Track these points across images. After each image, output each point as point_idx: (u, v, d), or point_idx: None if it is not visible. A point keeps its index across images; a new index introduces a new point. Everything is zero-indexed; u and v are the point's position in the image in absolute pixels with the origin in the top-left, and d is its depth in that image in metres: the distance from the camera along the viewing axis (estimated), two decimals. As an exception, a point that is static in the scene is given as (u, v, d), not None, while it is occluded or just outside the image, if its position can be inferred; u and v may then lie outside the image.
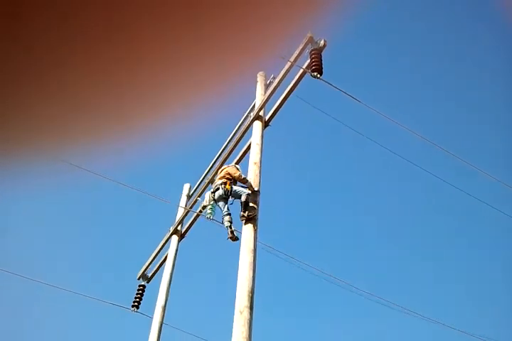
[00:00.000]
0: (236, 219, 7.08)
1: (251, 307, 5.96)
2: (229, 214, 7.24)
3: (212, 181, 10.10)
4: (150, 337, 9.09)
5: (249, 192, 7.12)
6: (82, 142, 0.40)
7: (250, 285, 6.14)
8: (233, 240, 7.00)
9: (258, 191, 7.22)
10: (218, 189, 7.41)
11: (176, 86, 0.39)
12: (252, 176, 7.50)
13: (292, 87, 8.16)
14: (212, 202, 7.48)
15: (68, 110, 0.39)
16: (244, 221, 6.78)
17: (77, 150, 0.41)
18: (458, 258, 28.90)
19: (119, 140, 0.41)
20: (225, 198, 7.33)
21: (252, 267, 6.37)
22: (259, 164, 7.69)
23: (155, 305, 9.65)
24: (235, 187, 7.28)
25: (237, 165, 7.87)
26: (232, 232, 7.03)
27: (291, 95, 8.30)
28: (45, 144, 0.40)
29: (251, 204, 6.99)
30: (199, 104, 0.40)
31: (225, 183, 7.35)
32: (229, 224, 7.13)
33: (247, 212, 6.82)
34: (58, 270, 23.88)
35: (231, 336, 5.79)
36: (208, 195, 7.61)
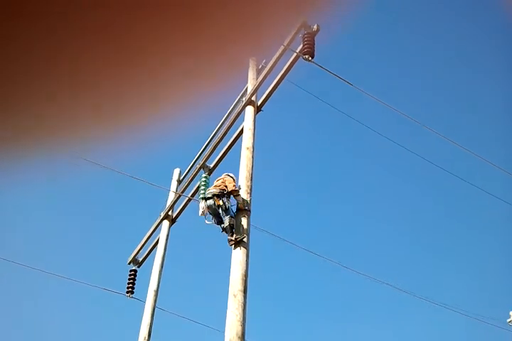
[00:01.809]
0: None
1: (245, 291, 6.02)
2: (231, 216, 6.88)
3: (203, 167, 10.10)
4: (143, 321, 9.14)
5: (232, 216, 6.80)
6: (78, 131, 0.40)
7: (244, 269, 6.19)
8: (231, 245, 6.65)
9: (249, 210, 6.91)
10: (210, 198, 7.09)
11: (166, 74, 0.39)
12: (245, 161, 7.50)
13: (285, 71, 8.14)
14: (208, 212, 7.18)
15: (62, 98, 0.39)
16: (233, 245, 6.50)
17: (71, 138, 0.41)
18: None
19: (112, 129, 0.41)
20: (216, 213, 7.01)
21: (245, 251, 6.42)
22: (251, 149, 7.69)
23: (147, 289, 9.70)
24: (222, 207, 6.90)
25: (230, 174, 7.47)
26: (230, 239, 6.65)
27: (283, 80, 8.27)
28: (43, 137, 0.41)
29: (242, 223, 6.71)
30: (190, 91, 0.40)
31: (218, 196, 6.98)
32: (228, 228, 6.76)
33: (234, 236, 6.53)
34: (50, 256, 23.85)
35: (225, 319, 5.85)
36: (202, 203, 7.25)
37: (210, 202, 7.04)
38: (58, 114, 0.39)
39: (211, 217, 7.16)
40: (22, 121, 0.38)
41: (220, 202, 6.94)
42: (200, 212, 7.19)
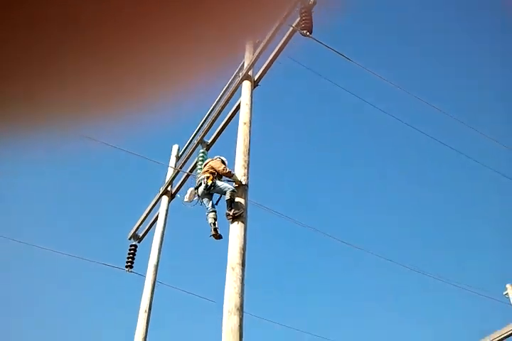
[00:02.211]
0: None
1: (243, 264, 6.09)
2: (213, 211, 6.95)
3: (201, 142, 10.12)
4: (143, 295, 9.27)
5: (234, 188, 6.74)
6: (76, 108, 0.41)
7: (242, 243, 6.26)
8: (216, 238, 6.74)
9: (246, 185, 6.84)
10: (201, 184, 7.05)
11: (163, 51, 0.38)
12: (242, 136, 7.51)
13: (281, 45, 8.09)
14: (195, 198, 7.19)
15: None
16: (230, 219, 6.44)
17: (70, 115, 0.41)
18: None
19: (111, 106, 0.41)
20: (209, 194, 7.01)
21: (243, 226, 6.47)
22: (248, 124, 7.69)
23: (147, 264, 9.81)
24: (219, 183, 6.92)
25: (222, 158, 7.44)
26: (215, 230, 6.77)
27: (280, 55, 8.23)
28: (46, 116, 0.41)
29: (238, 200, 6.63)
30: (187, 68, 0.40)
31: (208, 177, 6.98)
32: (213, 221, 6.85)
33: (232, 210, 6.46)
34: (50, 232, 24.02)
35: (223, 292, 5.94)
36: (190, 190, 7.30)
37: (201, 188, 7.04)
38: (54, 91, 0.39)
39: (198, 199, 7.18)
40: (19, 94, 0.38)
41: (210, 182, 6.92)
42: (186, 198, 7.27)
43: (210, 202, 7.04)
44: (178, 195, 7.72)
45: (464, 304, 26.43)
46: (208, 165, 7.30)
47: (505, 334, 12.94)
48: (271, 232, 25.79)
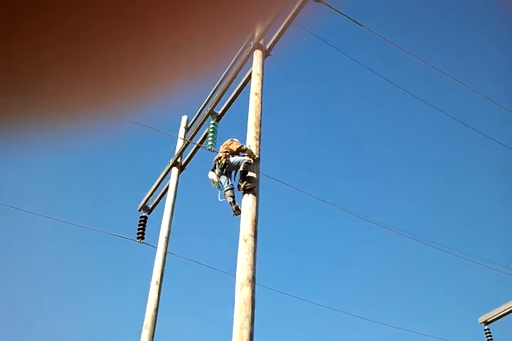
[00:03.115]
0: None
1: (255, 236, 6.09)
2: (230, 188, 6.89)
3: (211, 113, 10.01)
4: (155, 266, 9.33)
5: (249, 160, 6.74)
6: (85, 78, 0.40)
7: (254, 215, 6.24)
8: (238, 215, 6.60)
9: (258, 158, 6.85)
10: (216, 165, 7.07)
11: (174, 26, 0.38)
12: (253, 107, 7.41)
13: (294, 14, 7.91)
14: (218, 177, 7.09)
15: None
16: (242, 192, 6.48)
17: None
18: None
19: (122, 75, 0.40)
20: (225, 173, 6.99)
21: (255, 198, 6.45)
22: (260, 95, 7.58)
23: (158, 235, 9.85)
24: (231, 158, 6.87)
25: (235, 139, 7.29)
26: (236, 208, 6.69)
27: (292, 23, 8.05)
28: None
29: (250, 174, 6.65)
30: (196, 37, 0.39)
31: (220, 158, 6.98)
32: (231, 199, 6.82)
33: (244, 183, 6.49)
34: (61, 204, 24.20)
35: (236, 264, 5.95)
36: (210, 174, 7.19)
37: (217, 169, 7.01)
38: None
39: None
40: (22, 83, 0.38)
41: (224, 160, 6.89)
42: (213, 184, 7.13)
43: (227, 180, 7.00)
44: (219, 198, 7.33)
45: (472, 276, 26.56)
46: (223, 147, 7.21)
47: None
48: (283, 205, 25.82)
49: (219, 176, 7.07)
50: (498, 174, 27.73)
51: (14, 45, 0.35)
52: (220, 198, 7.05)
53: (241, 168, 6.67)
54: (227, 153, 6.98)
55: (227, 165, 6.89)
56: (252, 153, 6.84)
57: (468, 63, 26.17)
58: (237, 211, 6.63)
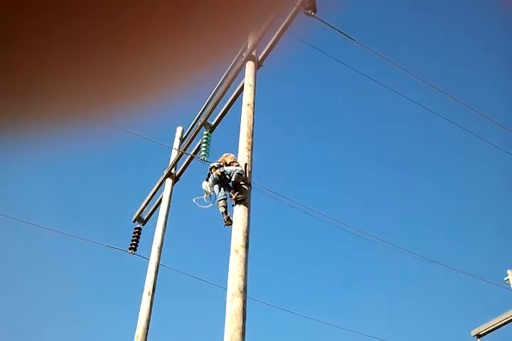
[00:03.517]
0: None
1: (246, 246, 6.07)
2: (224, 198, 6.91)
3: (204, 124, 10.04)
4: (147, 277, 9.29)
5: (241, 170, 6.72)
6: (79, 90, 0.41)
7: (245, 226, 6.23)
8: (230, 225, 6.60)
9: (250, 185, 6.80)
10: (209, 175, 7.12)
11: (166, 35, 0.39)
12: (246, 118, 7.44)
13: (285, 25, 7.97)
14: (211, 187, 7.13)
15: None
16: (234, 202, 6.47)
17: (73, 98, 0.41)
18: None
19: (116, 87, 0.41)
20: (218, 182, 6.99)
21: (246, 209, 6.44)
22: (252, 106, 7.61)
23: (151, 246, 9.82)
24: (225, 168, 6.86)
25: (231, 154, 7.26)
26: (228, 218, 6.72)
27: (285, 34, 8.11)
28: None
29: (242, 185, 6.63)
30: (190, 50, 0.40)
31: (215, 167, 6.98)
32: (223, 209, 6.85)
33: (236, 194, 6.48)
34: (55, 214, 24.11)
35: (227, 274, 5.93)
36: (204, 184, 7.24)
37: (212, 177, 7.02)
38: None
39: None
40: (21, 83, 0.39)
41: (218, 171, 6.88)
42: (205, 194, 7.17)
43: (221, 190, 7.00)
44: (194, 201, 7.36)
45: (465, 289, 26.51)
46: (220, 159, 7.19)
47: (506, 320, 12.95)
48: (274, 216, 25.79)
49: (212, 186, 7.08)
50: (493, 185, 27.81)
51: (15, 46, 0.36)
52: (202, 205, 7.14)
53: (233, 179, 6.67)
54: (221, 163, 6.98)
55: (222, 176, 6.86)
56: (243, 170, 6.79)
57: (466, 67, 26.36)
58: (229, 221, 6.63)
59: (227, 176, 6.82)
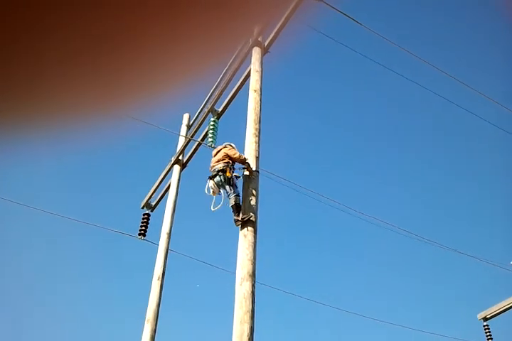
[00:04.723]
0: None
1: (255, 232, 6.13)
2: (237, 195, 6.61)
3: (211, 111, 10.06)
4: (156, 262, 9.39)
5: (237, 194, 6.55)
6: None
7: (254, 211, 6.28)
8: (239, 225, 6.27)
9: (257, 171, 6.68)
10: (216, 175, 6.84)
11: (172, 22, 0.39)
12: (253, 104, 7.45)
13: (292, 10, 7.93)
14: (220, 185, 6.85)
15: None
16: (240, 225, 6.18)
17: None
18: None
19: (123, 74, 0.42)
20: (226, 182, 6.76)
21: (255, 193, 6.49)
22: (259, 91, 7.61)
23: (160, 233, 9.91)
24: (234, 179, 6.74)
25: (232, 144, 7.15)
26: (236, 220, 6.28)
27: (291, 20, 8.08)
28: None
29: (248, 202, 6.38)
30: (195, 36, 0.40)
31: (225, 171, 6.76)
32: (233, 202, 6.48)
33: (241, 215, 6.20)
34: (69, 201, 24.27)
35: (236, 259, 5.99)
36: (210, 182, 6.91)
37: (217, 179, 6.82)
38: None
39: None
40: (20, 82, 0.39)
41: (229, 174, 6.72)
42: (211, 192, 6.89)
43: (231, 188, 6.74)
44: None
45: (472, 273, 26.58)
46: (220, 152, 7.05)
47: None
48: (281, 200, 25.84)
49: (217, 185, 6.86)
50: (498, 171, 27.70)
51: (16, 47, 0.36)
52: (213, 207, 6.88)
53: (231, 203, 6.47)
54: (229, 165, 6.82)
55: (229, 180, 6.71)
56: (249, 166, 6.70)
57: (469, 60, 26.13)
58: (238, 222, 6.26)
59: (229, 186, 6.66)
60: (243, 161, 6.76)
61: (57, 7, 0.35)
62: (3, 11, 0.34)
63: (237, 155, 6.82)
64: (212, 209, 6.91)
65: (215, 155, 7.14)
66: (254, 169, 6.73)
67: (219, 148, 7.23)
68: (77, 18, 0.36)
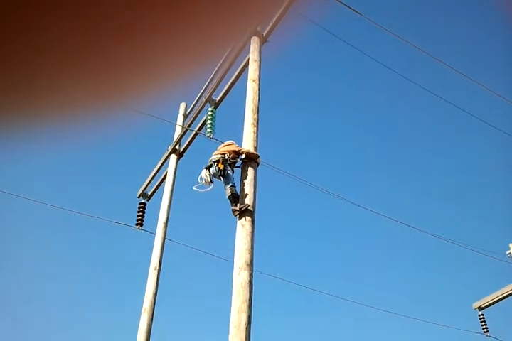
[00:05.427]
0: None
1: (252, 221, 6.12)
2: (233, 185, 6.57)
3: (209, 100, 10.01)
4: (153, 252, 9.39)
5: (232, 184, 6.52)
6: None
7: (252, 201, 6.27)
8: (237, 215, 6.24)
9: (258, 155, 6.67)
10: (211, 166, 6.85)
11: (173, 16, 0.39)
12: (251, 94, 7.42)
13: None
14: (212, 177, 6.89)
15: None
16: (238, 215, 6.15)
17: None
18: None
19: (119, 64, 0.42)
20: (222, 175, 6.71)
21: (253, 183, 6.48)
22: (257, 81, 7.58)
23: (157, 222, 9.90)
24: (227, 170, 6.70)
25: (234, 143, 7.07)
26: (234, 210, 6.25)
27: (290, 9, 8.04)
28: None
29: (246, 191, 6.34)
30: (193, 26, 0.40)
31: (218, 161, 6.74)
32: (232, 198, 6.41)
33: (238, 205, 6.18)
34: (65, 191, 24.23)
35: (234, 248, 6.00)
36: (204, 172, 6.95)
37: (213, 169, 6.81)
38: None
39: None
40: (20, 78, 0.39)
41: (220, 166, 6.69)
42: (203, 181, 6.91)
43: (227, 178, 6.71)
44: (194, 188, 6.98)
45: (468, 263, 26.74)
46: (222, 149, 7.00)
47: (507, 294, 13.11)
48: (279, 193, 25.91)
49: (214, 176, 6.85)
50: (497, 163, 27.79)
51: (16, 46, 0.36)
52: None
53: (228, 194, 6.45)
54: (225, 158, 6.78)
55: (221, 172, 6.68)
56: (248, 151, 6.68)
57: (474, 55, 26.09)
58: (236, 212, 6.23)
59: (227, 176, 6.66)
60: (240, 153, 6.74)
61: (56, 5, 0.35)
62: (2, 10, 0.34)
63: (234, 148, 6.81)
64: (193, 188, 6.98)
65: (218, 150, 7.08)
66: (255, 153, 6.70)
67: (221, 146, 7.16)
68: (75, 17, 0.36)
